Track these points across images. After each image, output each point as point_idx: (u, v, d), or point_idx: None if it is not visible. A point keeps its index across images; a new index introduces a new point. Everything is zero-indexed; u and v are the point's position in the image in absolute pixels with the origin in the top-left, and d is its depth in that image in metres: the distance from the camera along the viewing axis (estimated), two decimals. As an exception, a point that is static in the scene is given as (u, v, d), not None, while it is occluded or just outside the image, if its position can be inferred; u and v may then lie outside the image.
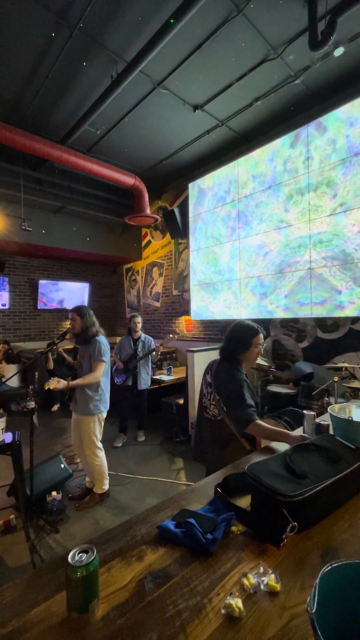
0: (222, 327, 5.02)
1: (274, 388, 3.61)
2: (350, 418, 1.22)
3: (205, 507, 0.92)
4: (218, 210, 4.88)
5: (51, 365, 5.37)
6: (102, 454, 2.64)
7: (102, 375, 2.55)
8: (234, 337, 1.70)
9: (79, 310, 2.58)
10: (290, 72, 3.31)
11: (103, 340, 2.58)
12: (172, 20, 2.50)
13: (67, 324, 6.80)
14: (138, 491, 2.85)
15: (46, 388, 2.33)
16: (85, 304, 7.04)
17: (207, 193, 5.07)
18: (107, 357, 2.56)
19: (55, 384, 2.32)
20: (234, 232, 4.65)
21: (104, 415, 2.63)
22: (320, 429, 1.32)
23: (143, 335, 4.02)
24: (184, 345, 5.45)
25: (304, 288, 3.84)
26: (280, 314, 4.11)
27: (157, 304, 6.44)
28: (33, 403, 2.34)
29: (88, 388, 2.53)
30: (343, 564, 0.51)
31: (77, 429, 2.63)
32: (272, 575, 0.66)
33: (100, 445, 2.63)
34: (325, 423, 1.33)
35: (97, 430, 2.59)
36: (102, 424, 2.64)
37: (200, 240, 5.22)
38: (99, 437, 2.62)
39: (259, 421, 1.43)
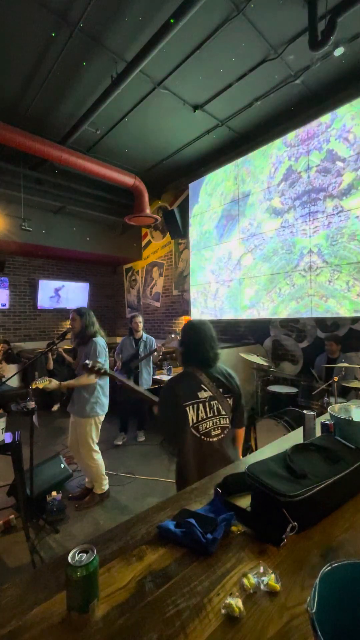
0: (223, 327, 5.02)
1: (274, 388, 3.60)
2: (350, 418, 1.21)
3: (205, 507, 0.92)
4: (218, 210, 4.88)
5: (51, 365, 5.39)
6: (98, 456, 2.63)
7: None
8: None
9: (78, 311, 2.60)
10: (290, 72, 3.31)
11: (100, 341, 2.57)
12: (172, 20, 2.50)
13: (67, 324, 6.80)
14: (138, 491, 2.85)
15: (33, 387, 2.27)
16: (85, 304, 7.05)
17: (207, 193, 5.07)
18: (102, 358, 2.53)
19: (46, 383, 2.29)
20: (234, 231, 4.65)
21: (101, 418, 2.61)
22: (327, 429, 1.30)
23: (145, 335, 4.01)
24: (184, 345, 5.44)
25: (304, 287, 3.84)
26: (280, 314, 4.11)
27: (157, 304, 6.44)
28: (33, 403, 2.33)
29: (84, 390, 2.52)
30: (343, 564, 0.51)
31: (74, 431, 2.63)
32: (272, 575, 0.65)
33: (96, 447, 2.62)
34: (331, 422, 1.32)
35: (94, 433, 2.58)
36: (99, 427, 2.62)
37: (200, 240, 5.22)
38: (95, 440, 2.61)
39: None
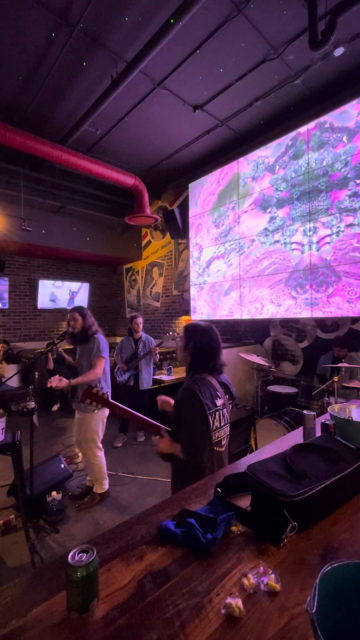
0: (223, 328, 5.02)
1: (274, 388, 3.60)
2: (350, 418, 1.21)
3: (205, 507, 0.92)
4: (218, 209, 4.88)
5: (51, 365, 5.37)
6: (101, 453, 2.65)
7: (102, 372, 2.55)
8: None
9: (80, 311, 2.60)
10: (290, 72, 3.31)
11: (102, 337, 2.61)
12: (172, 20, 2.50)
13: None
14: (138, 491, 2.85)
15: (48, 386, 2.32)
16: (85, 304, 7.05)
17: (206, 193, 5.06)
18: (106, 353, 2.57)
19: (57, 382, 2.32)
20: (234, 231, 4.64)
21: (106, 412, 2.62)
22: (327, 429, 1.30)
23: (144, 335, 4.03)
24: (184, 345, 5.43)
25: (303, 287, 3.83)
26: (280, 314, 4.10)
27: (157, 304, 6.44)
28: (33, 403, 2.34)
29: (88, 385, 2.53)
30: (343, 564, 0.51)
31: (80, 428, 2.63)
32: (272, 575, 0.65)
33: (100, 445, 2.63)
34: (331, 422, 1.31)
35: (100, 429, 2.60)
36: (105, 422, 2.64)
37: (199, 240, 5.22)
38: (101, 436, 2.63)
39: None
